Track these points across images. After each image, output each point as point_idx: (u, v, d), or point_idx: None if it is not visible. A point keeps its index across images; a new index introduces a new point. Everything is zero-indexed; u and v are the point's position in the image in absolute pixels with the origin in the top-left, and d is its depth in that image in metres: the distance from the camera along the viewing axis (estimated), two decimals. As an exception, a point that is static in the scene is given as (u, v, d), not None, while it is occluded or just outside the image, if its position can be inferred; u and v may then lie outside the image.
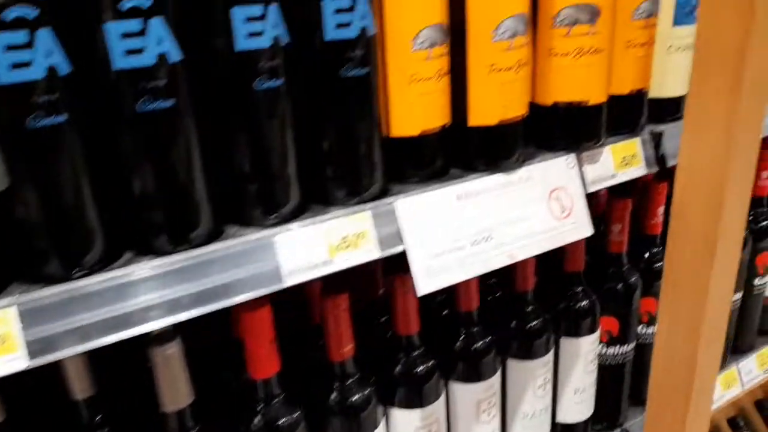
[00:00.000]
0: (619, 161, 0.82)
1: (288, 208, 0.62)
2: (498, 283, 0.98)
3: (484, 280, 0.98)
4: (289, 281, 0.61)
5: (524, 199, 0.74)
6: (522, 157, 0.75)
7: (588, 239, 1.03)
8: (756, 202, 1.18)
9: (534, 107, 0.79)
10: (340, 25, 0.57)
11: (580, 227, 0.78)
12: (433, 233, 0.68)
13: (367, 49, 0.59)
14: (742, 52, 0.70)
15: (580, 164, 0.79)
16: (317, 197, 0.66)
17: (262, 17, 0.53)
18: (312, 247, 0.61)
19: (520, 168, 0.74)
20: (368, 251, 0.64)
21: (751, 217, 1.18)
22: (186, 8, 0.51)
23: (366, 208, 0.65)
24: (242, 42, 0.53)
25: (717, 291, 0.81)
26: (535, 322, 0.88)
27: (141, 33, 0.48)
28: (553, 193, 0.76)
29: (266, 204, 0.61)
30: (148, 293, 0.55)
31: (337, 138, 0.63)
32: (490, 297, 0.98)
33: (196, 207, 0.57)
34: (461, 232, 0.69)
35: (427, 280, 0.67)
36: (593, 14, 0.71)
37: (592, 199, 0.95)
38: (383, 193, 0.68)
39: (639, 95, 0.82)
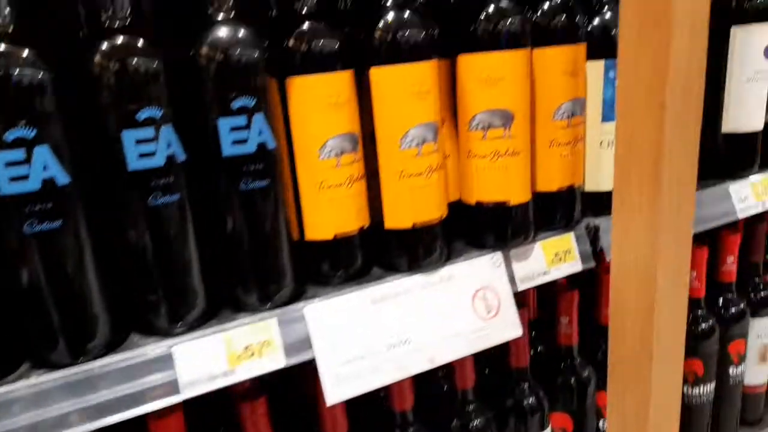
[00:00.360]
0: (551, 257, 0.81)
1: (192, 316, 0.63)
2: (445, 376, 0.95)
3: (434, 372, 0.96)
4: (187, 393, 0.60)
5: (446, 299, 0.74)
6: (444, 256, 0.75)
7: (541, 330, 1.02)
8: (724, 288, 1.15)
9: (461, 205, 0.80)
10: (236, 142, 0.59)
11: (508, 327, 0.76)
12: (345, 338, 0.67)
13: (266, 162, 0.61)
14: (659, 148, 0.71)
15: (508, 262, 0.78)
16: (228, 303, 0.67)
17: (154, 138, 0.56)
18: (212, 358, 0.61)
19: (442, 268, 0.74)
20: (273, 360, 0.64)
21: (720, 304, 1.15)
22: (76, 134, 0.54)
23: (272, 315, 0.64)
24: (134, 163, 0.55)
25: (661, 387, 0.79)
26: (476, 422, 0.85)
27: (26, 161, 0.50)
28: (478, 292, 0.76)
29: (169, 314, 0.62)
30: (37, 409, 0.55)
31: (240, 246, 0.63)
32: (436, 392, 0.95)
33: (93, 319, 0.58)
34: (376, 337, 0.69)
35: (337, 388, 0.66)
36: (507, 119, 0.73)
37: (547, 288, 0.94)
38: (296, 297, 0.68)
39: (570, 191, 0.82)
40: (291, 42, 0.63)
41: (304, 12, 0.65)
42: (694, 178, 0.75)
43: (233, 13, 0.60)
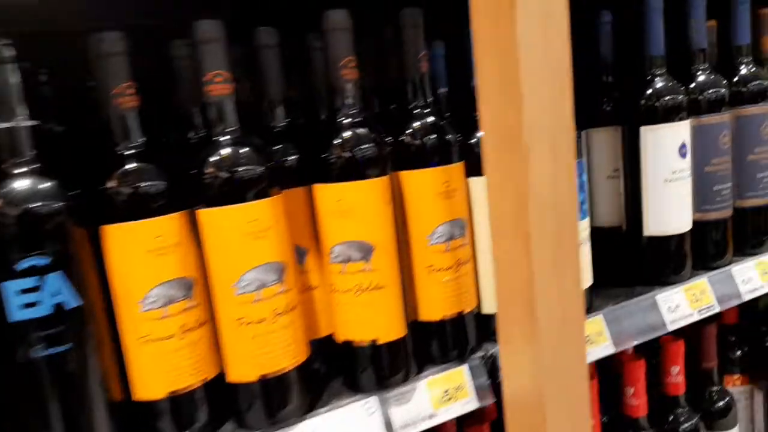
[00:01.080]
0: (439, 396, 0.72)
1: (-18, 506, 0.54)
2: None
3: None
4: None
5: (307, 459, 0.64)
6: (305, 407, 0.66)
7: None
8: (672, 402, 1.04)
9: (332, 344, 0.72)
10: (26, 305, 0.53)
11: (383, 487, 0.67)
12: None
13: (67, 323, 0.54)
14: (530, 280, 0.64)
15: (386, 407, 0.69)
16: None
17: None
18: None
19: (302, 422, 0.65)
20: None
21: (669, 421, 1.04)
22: None
23: (81, 500, 0.56)
24: None
25: None
26: None
27: None
28: (347, 447, 0.66)
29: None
30: None
31: (42, 420, 0.55)
32: None
33: None
34: None
35: None
36: (366, 251, 0.66)
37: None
38: (121, 471, 0.59)
39: (458, 319, 0.75)
40: (106, 187, 0.58)
41: (126, 153, 0.61)
42: (580, 308, 0.67)
43: (32, 165, 0.55)
